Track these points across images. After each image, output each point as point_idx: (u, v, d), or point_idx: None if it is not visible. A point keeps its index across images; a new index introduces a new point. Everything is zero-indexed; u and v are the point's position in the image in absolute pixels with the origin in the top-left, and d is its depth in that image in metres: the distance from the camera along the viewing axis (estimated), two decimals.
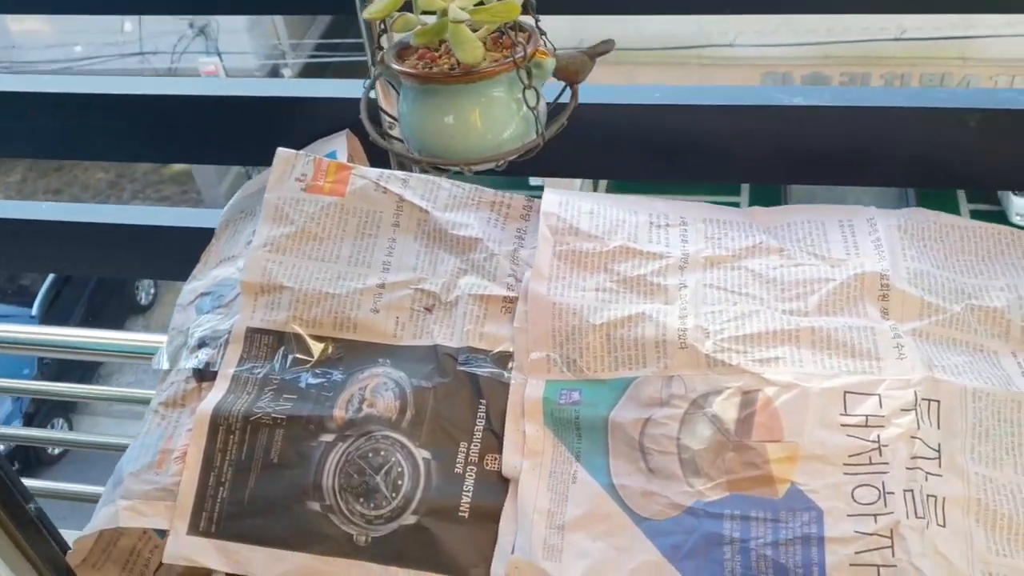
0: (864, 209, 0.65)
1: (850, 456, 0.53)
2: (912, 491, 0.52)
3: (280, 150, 0.68)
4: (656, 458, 0.56)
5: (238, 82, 0.90)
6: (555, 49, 0.55)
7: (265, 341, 0.64)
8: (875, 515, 0.51)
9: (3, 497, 0.72)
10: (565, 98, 0.61)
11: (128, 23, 4.86)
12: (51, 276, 4.88)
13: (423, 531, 0.57)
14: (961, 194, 5.73)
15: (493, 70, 0.50)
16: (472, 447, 0.59)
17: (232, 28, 5.56)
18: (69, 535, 0.72)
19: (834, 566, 0.51)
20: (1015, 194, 5.39)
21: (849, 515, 0.52)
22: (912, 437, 0.53)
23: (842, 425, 0.54)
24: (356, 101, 0.62)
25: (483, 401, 0.60)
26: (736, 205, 0.67)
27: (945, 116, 0.63)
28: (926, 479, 0.52)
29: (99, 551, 0.64)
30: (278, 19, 5.82)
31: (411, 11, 0.55)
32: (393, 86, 0.58)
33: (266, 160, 0.67)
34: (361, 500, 0.58)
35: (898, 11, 0.64)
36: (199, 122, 0.83)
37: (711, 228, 0.66)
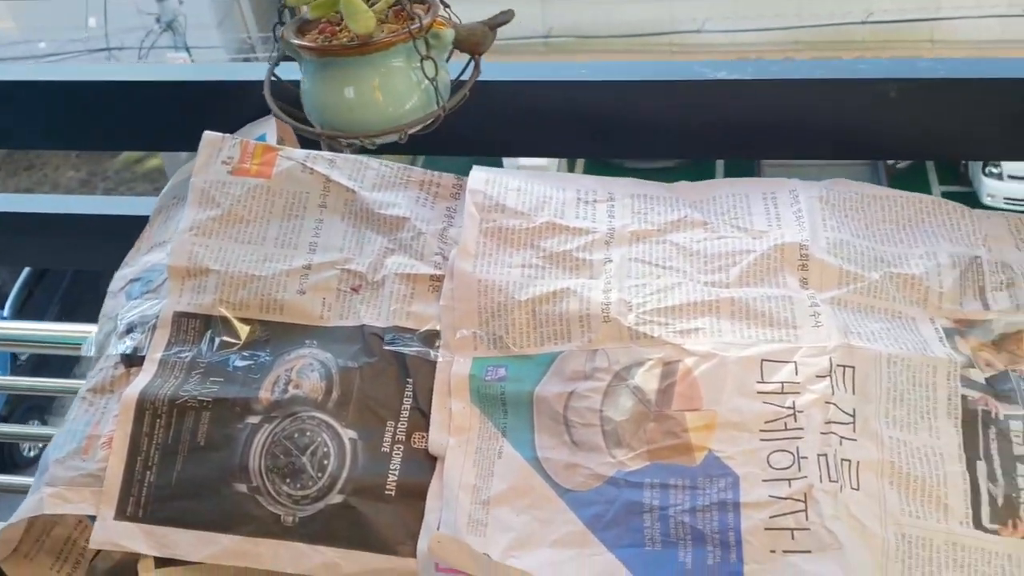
0: (787, 181, 0.66)
1: (766, 423, 0.54)
2: (826, 455, 0.52)
3: (206, 133, 0.67)
4: (580, 431, 0.57)
5: (175, 68, 0.89)
6: (459, 22, 0.55)
7: (192, 325, 0.64)
8: (789, 480, 0.52)
9: None
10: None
11: (92, 18, 4.81)
12: (23, 276, 4.83)
13: (350, 510, 0.57)
14: (932, 175, 5.78)
15: (389, 41, 0.50)
16: (399, 426, 0.59)
17: (201, 23, 5.50)
18: None
19: (749, 530, 0.51)
20: (986, 175, 5.44)
21: (764, 480, 0.53)
22: (827, 403, 0.54)
23: (759, 392, 0.55)
24: (294, 83, 0.62)
25: (410, 380, 0.60)
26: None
27: (865, 87, 0.64)
28: (840, 444, 0.53)
29: (31, 541, 0.64)
30: (248, 12, 5.77)
31: None
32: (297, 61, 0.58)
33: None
34: (288, 481, 0.58)
35: None
36: (135, 108, 0.83)
37: (638, 203, 0.66)
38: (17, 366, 4.64)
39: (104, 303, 0.70)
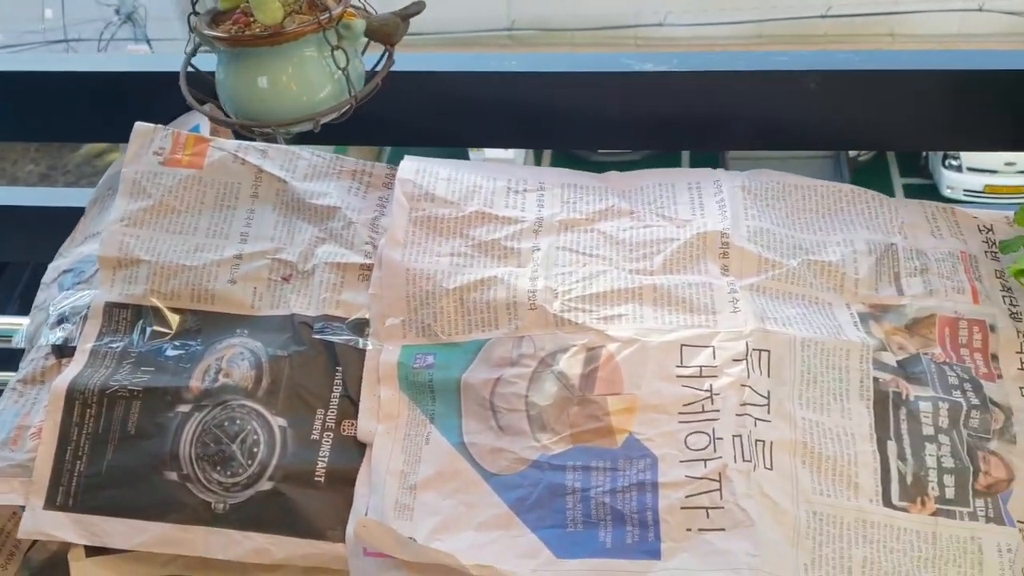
0: (712, 172, 0.67)
1: (684, 405, 0.55)
2: (741, 436, 0.54)
3: (138, 124, 0.67)
4: (505, 416, 0.58)
5: (135, 58, 0.89)
6: (373, 13, 0.55)
7: (123, 315, 0.64)
8: (705, 460, 0.54)
9: None
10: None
11: (49, 10, 4.73)
12: None
13: (280, 496, 0.58)
14: (894, 168, 5.86)
15: (300, 31, 0.51)
16: (329, 413, 0.60)
17: (162, 15, 5.43)
18: None
19: (666, 509, 0.53)
20: (945, 168, 5.52)
21: (682, 461, 0.54)
22: (742, 385, 0.55)
23: (678, 376, 0.56)
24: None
25: (339, 368, 0.61)
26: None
27: (786, 79, 0.66)
28: (755, 425, 0.55)
29: None
30: (209, 4, 5.70)
31: None
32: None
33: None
34: (218, 468, 0.59)
35: None
36: (93, 99, 0.82)
37: (568, 192, 0.67)
38: None
39: (37, 294, 0.70)
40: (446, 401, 0.59)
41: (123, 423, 0.60)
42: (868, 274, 0.62)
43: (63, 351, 0.64)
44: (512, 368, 0.59)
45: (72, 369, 0.62)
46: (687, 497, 0.53)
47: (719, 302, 0.59)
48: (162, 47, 5.53)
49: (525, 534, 0.54)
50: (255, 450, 0.59)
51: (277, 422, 0.59)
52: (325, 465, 0.58)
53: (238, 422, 0.59)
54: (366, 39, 0.55)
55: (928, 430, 0.56)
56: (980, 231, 0.66)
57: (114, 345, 0.63)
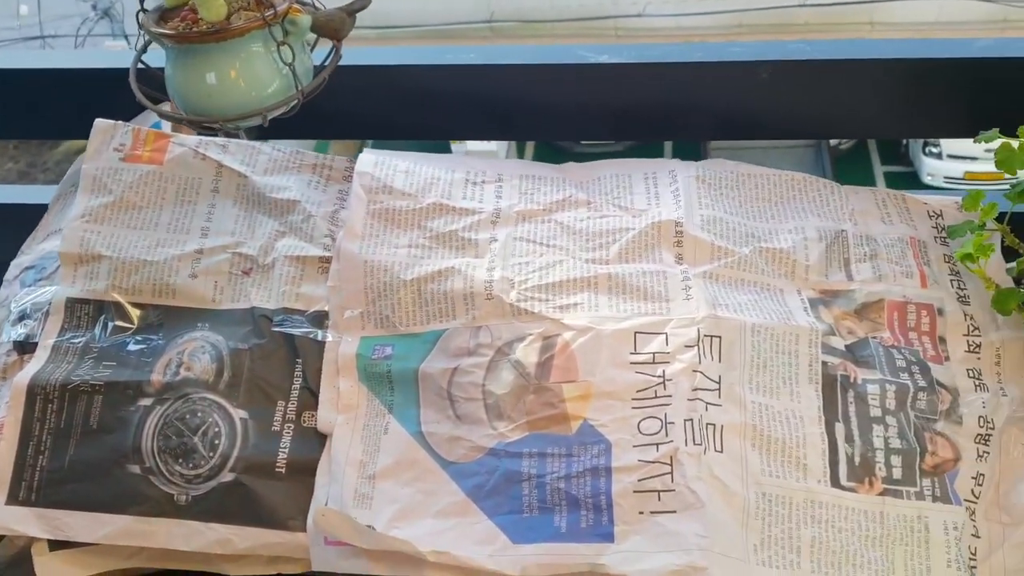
0: (668, 162, 0.68)
1: (638, 391, 0.56)
2: (692, 420, 0.55)
3: (98, 121, 0.68)
4: (463, 405, 0.59)
5: (111, 54, 0.88)
6: (320, 8, 0.56)
7: (85, 311, 0.65)
8: (657, 444, 0.55)
9: None
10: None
11: (24, 6, 4.69)
12: None
13: (242, 487, 0.59)
14: (875, 156, 5.90)
15: (245, 27, 0.52)
16: (289, 405, 0.61)
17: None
18: None
19: (619, 493, 0.54)
20: (926, 155, 5.55)
21: (635, 446, 0.55)
22: (694, 371, 0.56)
23: (631, 363, 0.57)
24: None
25: (299, 360, 0.62)
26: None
27: (739, 69, 0.67)
28: (706, 409, 0.56)
29: None
30: None
31: None
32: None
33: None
34: (180, 461, 0.59)
35: None
36: (71, 95, 0.82)
37: (526, 184, 0.68)
38: None
39: None
40: (404, 391, 0.60)
41: (85, 418, 0.61)
42: (818, 260, 0.63)
43: (25, 347, 0.64)
44: (469, 358, 0.60)
45: (33, 365, 0.62)
46: (639, 481, 0.54)
47: (672, 290, 0.60)
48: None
49: (482, 520, 0.55)
50: (217, 442, 0.59)
51: (238, 414, 0.60)
52: (286, 456, 0.59)
53: (199, 415, 0.60)
54: (314, 35, 0.56)
55: (876, 412, 0.57)
56: (930, 217, 0.67)
57: (76, 341, 0.63)
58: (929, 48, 0.67)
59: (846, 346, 0.60)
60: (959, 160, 5.33)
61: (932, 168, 5.47)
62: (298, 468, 0.59)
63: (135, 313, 0.64)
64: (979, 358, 0.61)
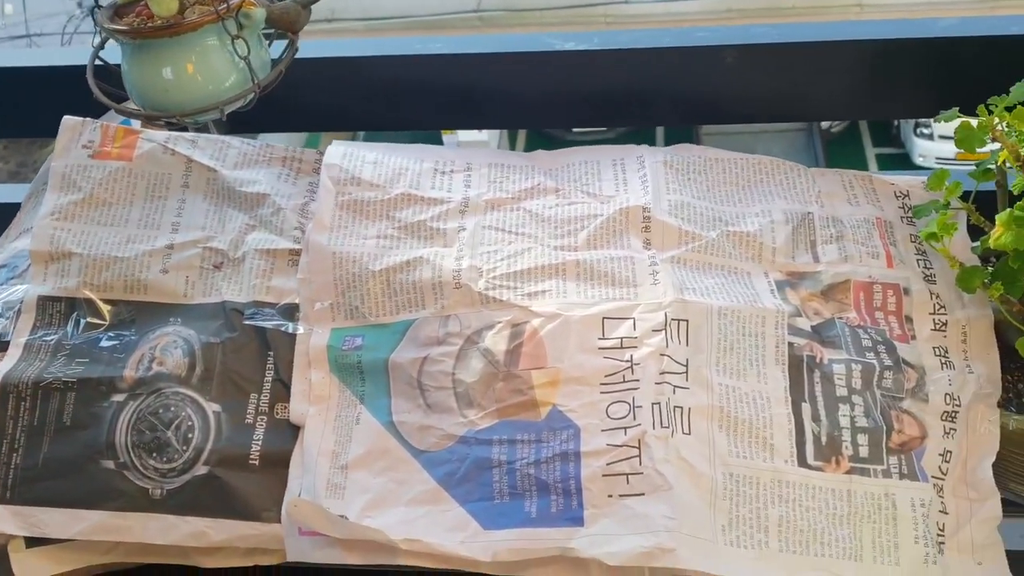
0: (636, 148, 0.69)
1: (606, 376, 0.57)
2: (659, 404, 0.56)
3: (66, 118, 0.68)
4: (433, 394, 0.59)
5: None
6: (273, 2, 0.56)
7: (57, 308, 0.65)
8: (625, 428, 0.55)
9: None
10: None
11: (9, 4, 4.66)
12: None
13: (215, 480, 0.59)
14: (866, 139, 5.89)
15: (198, 22, 0.52)
16: (262, 398, 0.61)
17: None
18: None
19: (588, 477, 0.54)
20: (917, 136, 5.55)
21: (603, 430, 0.55)
22: (661, 355, 0.57)
23: (599, 348, 0.58)
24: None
25: (271, 353, 0.62)
26: None
27: (705, 54, 0.67)
28: (673, 392, 0.56)
29: None
30: None
31: None
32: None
33: None
34: (154, 455, 0.60)
35: None
36: (58, 93, 0.81)
37: (495, 172, 0.68)
38: None
39: None
40: (375, 381, 0.60)
41: (58, 415, 0.61)
42: (785, 243, 0.64)
43: None
44: (439, 347, 0.60)
45: (6, 363, 0.63)
46: (608, 464, 0.54)
47: (640, 275, 0.61)
48: None
49: (453, 508, 0.56)
50: (190, 436, 0.60)
51: (211, 408, 0.60)
52: (259, 448, 0.60)
53: (172, 409, 0.60)
54: (270, 28, 0.56)
55: (842, 391, 0.58)
56: (897, 197, 0.67)
57: (48, 338, 0.64)
58: (893, 29, 0.68)
59: (812, 327, 0.60)
60: (951, 140, 5.32)
61: (924, 149, 5.47)
62: (271, 460, 0.59)
63: (107, 309, 0.64)
64: (945, 336, 0.61)
